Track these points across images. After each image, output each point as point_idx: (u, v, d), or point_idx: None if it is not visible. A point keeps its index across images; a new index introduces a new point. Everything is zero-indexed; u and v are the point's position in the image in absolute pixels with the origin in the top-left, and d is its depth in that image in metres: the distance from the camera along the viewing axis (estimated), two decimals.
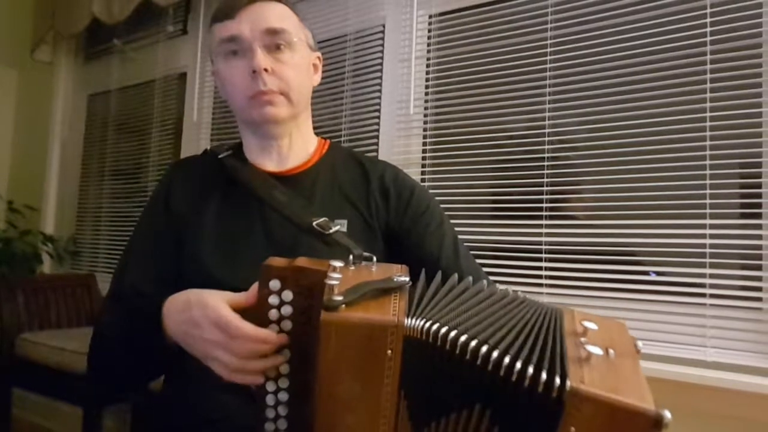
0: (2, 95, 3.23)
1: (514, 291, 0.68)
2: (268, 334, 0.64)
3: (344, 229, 0.90)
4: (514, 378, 0.51)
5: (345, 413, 0.57)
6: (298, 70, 0.93)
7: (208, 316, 0.68)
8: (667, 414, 0.46)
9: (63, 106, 3.16)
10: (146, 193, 2.73)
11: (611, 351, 0.53)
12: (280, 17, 0.92)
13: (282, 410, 0.67)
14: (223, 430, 0.79)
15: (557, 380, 0.49)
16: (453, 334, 0.54)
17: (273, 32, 0.90)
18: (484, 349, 0.52)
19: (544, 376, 0.49)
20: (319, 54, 1.02)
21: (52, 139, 3.14)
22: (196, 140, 2.56)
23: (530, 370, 0.50)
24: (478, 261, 1.01)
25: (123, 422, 2.40)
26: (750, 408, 1.24)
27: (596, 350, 0.52)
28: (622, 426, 0.47)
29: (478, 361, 0.52)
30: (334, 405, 0.57)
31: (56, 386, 2.20)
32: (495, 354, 0.52)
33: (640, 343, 0.57)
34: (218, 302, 0.68)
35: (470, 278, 0.68)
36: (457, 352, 0.54)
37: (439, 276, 0.67)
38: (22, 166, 3.25)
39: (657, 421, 0.46)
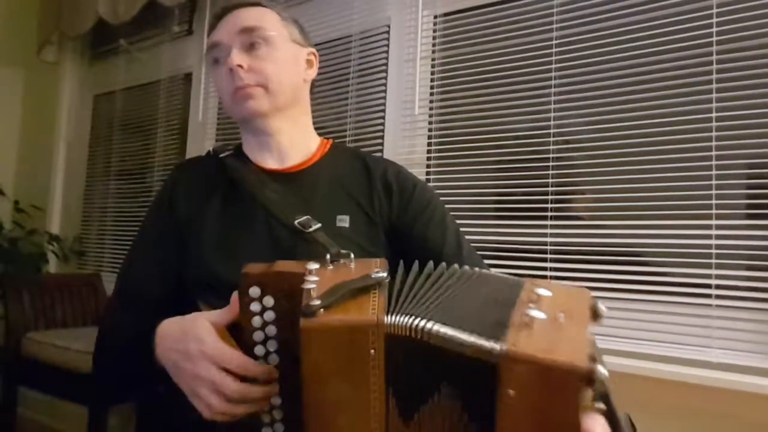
0: (8, 95, 3.24)
1: (488, 269, 0.68)
2: (263, 370, 0.65)
3: (346, 225, 0.91)
4: (460, 350, 0.53)
5: (336, 415, 0.58)
6: (278, 63, 0.94)
7: (204, 352, 0.66)
8: (601, 369, 0.47)
9: (69, 106, 3.17)
10: (151, 192, 2.74)
11: (561, 315, 0.54)
12: (255, 17, 0.95)
13: (277, 414, 0.67)
14: (226, 430, 0.80)
15: (491, 345, 0.51)
16: (429, 325, 0.55)
17: (247, 30, 0.92)
18: (442, 329, 0.54)
19: (482, 342, 0.51)
20: (312, 50, 1.02)
21: (58, 139, 3.16)
22: (201, 140, 2.57)
23: (471, 339, 0.52)
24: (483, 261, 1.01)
25: (128, 421, 2.41)
26: (756, 410, 1.23)
27: (539, 315, 0.53)
28: (556, 383, 0.48)
29: (438, 342, 0.54)
30: (324, 408, 0.58)
31: (62, 385, 2.20)
32: (448, 331, 0.54)
33: (603, 308, 0.58)
34: (215, 337, 0.67)
35: (444, 264, 0.68)
36: (424, 338, 0.55)
37: (416, 265, 0.67)
38: (28, 166, 3.26)
39: (589, 377, 0.47)
